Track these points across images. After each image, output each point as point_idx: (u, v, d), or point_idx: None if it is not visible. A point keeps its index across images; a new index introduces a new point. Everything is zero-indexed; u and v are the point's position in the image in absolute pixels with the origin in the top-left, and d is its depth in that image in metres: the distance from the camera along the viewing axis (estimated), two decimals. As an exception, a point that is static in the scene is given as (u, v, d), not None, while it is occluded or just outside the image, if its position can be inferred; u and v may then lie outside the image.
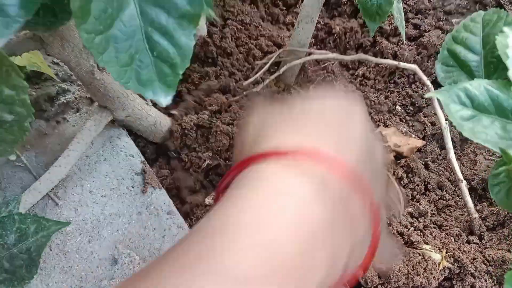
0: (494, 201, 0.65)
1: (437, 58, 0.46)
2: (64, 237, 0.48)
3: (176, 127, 0.60)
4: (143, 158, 0.56)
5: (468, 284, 0.57)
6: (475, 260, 0.59)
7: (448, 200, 0.65)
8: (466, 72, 0.44)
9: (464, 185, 0.60)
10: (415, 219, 0.61)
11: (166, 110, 0.66)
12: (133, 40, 0.32)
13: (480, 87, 0.36)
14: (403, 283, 0.55)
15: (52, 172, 0.50)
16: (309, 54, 0.76)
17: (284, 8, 0.84)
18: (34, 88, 0.56)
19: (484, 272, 0.59)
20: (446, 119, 0.61)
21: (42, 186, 0.50)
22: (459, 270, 0.58)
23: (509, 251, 0.60)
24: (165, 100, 0.34)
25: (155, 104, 0.64)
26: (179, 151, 0.62)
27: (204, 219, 0.24)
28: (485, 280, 0.58)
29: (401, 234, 0.59)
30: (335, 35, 0.80)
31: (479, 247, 0.61)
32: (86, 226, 0.49)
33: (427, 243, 0.58)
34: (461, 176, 0.60)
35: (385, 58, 0.77)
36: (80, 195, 0.51)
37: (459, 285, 0.57)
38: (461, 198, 0.64)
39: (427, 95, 0.35)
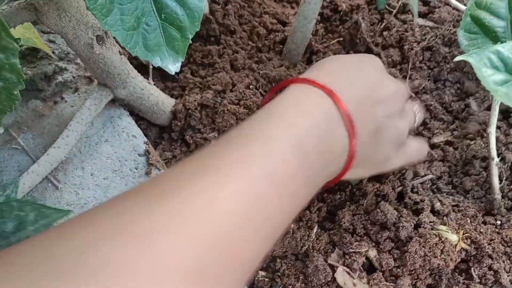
0: None
1: (459, 26, 0.43)
2: (65, 221, 0.46)
3: (179, 107, 0.58)
4: (146, 139, 0.53)
5: (486, 266, 0.55)
6: (492, 241, 0.57)
7: (471, 175, 0.62)
8: (491, 39, 0.41)
9: (494, 164, 0.58)
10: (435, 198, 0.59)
11: (167, 90, 0.63)
12: (139, 1, 0.29)
13: (513, 49, 0.34)
14: (420, 265, 0.52)
15: (51, 154, 0.47)
16: (316, 30, 0.74)
17: (288, -15, 0.81)
18: (29, 66, 0.53)
19: (502, 253, 0.56)
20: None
21: (41, 168, 0.47)
22: (476, 252, 0.56)
23: (527, 231, 0.57)
24: (174, 67, 0.32)
25: (166, 73, 0.61)
26: (183, 132, 0.59)
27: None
28: (503, 261, 0.56)
29: (417, 213, 0.56)
30: (341, 12, 0.77)
31: (496, 227, 0.59)
32: (88, 209, 0.47)
33: (444, 224, 0.56)
34: (494, 154, 0.58)
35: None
36: (81, 177, 0.48)
37: (477, 267, 0.55)
38: (481, 178, 0.62)
39: (456, 59, 0.32)
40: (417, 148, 0.52)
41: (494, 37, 0.41)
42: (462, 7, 0.64)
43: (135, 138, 0.52)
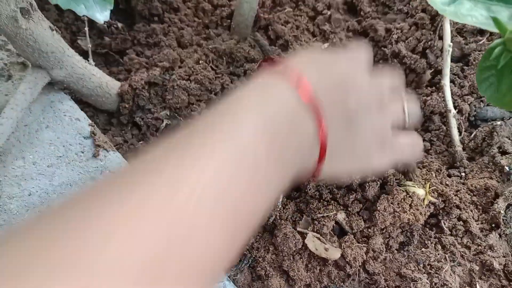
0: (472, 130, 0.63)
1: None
2: (8, 216, 0.42)
3: (125, 87, 0.54)
4: (90, 121, 0.49)
5: (455, 217, 0.55)
6: (458, 192, 0.57)
7: (431, 131, 0.62)
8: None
9: (452, 116, 0.58)
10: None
11: (113, 76, 0.60)
12: None
13: (457, -27, 0.33)
14: (390, 223, 0.51)
15: (-15, 146, 0.43)
16: (263, 2, 0.72)
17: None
18: (-47, 56, 0.48)
19: (469, 202, 0.56)
20: (452, 41, 0.59)
21: (-25, 162, 0.43)
22: (444, 205, 0.55)
23: (491, 178, 0.57)
24: (102, 15, 0.29)
25: (110, 58, 0.57)
26: (132, 115, 0.56)
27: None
28: (471, 211, 0.56)
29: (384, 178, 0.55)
30: (287, -16, 0.75)
31: (461, 178, 0.59)
32: (33, 200, 0.43)
33: (410, 180, 0.55)
34: (451, 106, 0.57)
35: None
36: (23, 168, 0.44)
37: (446, 219, 0.55)
38: (441, 132, 0.62)
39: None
40: (407, 144, 0.46)
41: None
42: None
43: (79, 121, 0.48)
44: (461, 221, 0.55)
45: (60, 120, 0.47)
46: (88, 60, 0.53)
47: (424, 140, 0.62)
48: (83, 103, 0.55)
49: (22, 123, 0.46)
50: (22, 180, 0.44)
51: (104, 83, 0.53)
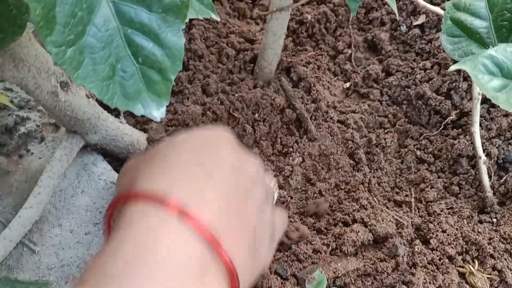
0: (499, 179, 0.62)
1: (441, 30, 0.42)
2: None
3: (149, 140, 0.54)
4: (126, 184, 0.49)
5: (490, 267, 0.54)
6: (491, 240, 0.56)
7: (459, 174, 0.62)
8: (476, 41, 0.40)
9: (482, 162, 0.57)
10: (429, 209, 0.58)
11: (139, 125, 0.59)
12: (112, 46, 0.26)
13: (506, 52, 0.32)
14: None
15: (23, 215, 0.43)
16: (285, 45, 0.72)
17: (250, 1, 0.79)
18: (-14, 120, 0.48)
19: (503, 251, 0.56)
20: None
21: (13, 233, 0.42)
22: (477, 253, 0.55)
23: (524, 225, 0.57)
24: (158, 112, 0.29)
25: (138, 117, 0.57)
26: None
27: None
28: (505, 259, 0.55)
29: (418, 228, 0.55)
30: (308, 24, 0.75)
31: (493, 225, 0.58)
32: (72, 271, 0.42)
33: (444, 231, 0.55)
34: (481, 153, 0.57)
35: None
36: (60, 236, 0.44)
37: (480, 269, 0.54)
38: (470, 176, 0.61)
39: (451, 69, 0.31)
40: (279, 220, 0.39)
41: (478, 39, 0.40)
42: (441, 11, 0.61)
43: (114, 185, 0.48)
44: (495, 271, 0.54)
45: (95, 184, 0.47)
46: (119, 118, 0.53)
47: (452, 183, 0.62)
48: (113, 157, 0.55)
49: (57, 188, 0.46)
50: (60, 250, 0.43)
51: (135, 141, 0.52)
